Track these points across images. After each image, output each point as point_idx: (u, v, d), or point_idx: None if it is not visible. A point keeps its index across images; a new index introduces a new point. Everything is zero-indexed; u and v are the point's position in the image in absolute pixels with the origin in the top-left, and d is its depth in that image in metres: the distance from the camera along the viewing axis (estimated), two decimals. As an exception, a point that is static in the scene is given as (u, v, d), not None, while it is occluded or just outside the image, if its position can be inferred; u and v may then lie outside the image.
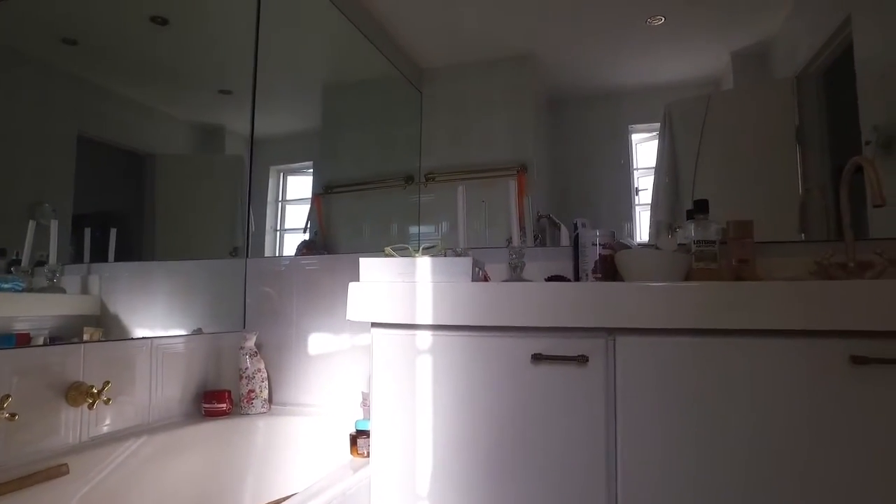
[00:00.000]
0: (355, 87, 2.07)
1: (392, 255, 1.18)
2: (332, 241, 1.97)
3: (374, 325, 1.12)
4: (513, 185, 1.34)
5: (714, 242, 1.31)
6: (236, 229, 2.03)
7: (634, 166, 1.77)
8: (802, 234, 1.52)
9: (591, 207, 1.74)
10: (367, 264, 1.15)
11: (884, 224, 1.44)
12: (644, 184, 1.77)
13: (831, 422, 0.90)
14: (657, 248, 1.29)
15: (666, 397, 0.96)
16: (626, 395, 0.98)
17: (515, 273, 1.32)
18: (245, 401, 1.71)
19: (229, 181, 2.08)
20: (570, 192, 1.77)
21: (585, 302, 0.99)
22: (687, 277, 1.32)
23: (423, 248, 1.24)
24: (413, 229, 1.88)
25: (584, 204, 1.75)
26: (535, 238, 1.72)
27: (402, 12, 1.97)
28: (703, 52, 1.73)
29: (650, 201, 1.71)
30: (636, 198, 1.75)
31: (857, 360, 0.89)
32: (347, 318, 1.12)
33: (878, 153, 1.52)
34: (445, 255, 1.18)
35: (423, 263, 1.12)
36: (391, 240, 1.89)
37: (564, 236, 1.72)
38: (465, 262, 1.08)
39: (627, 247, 1.36)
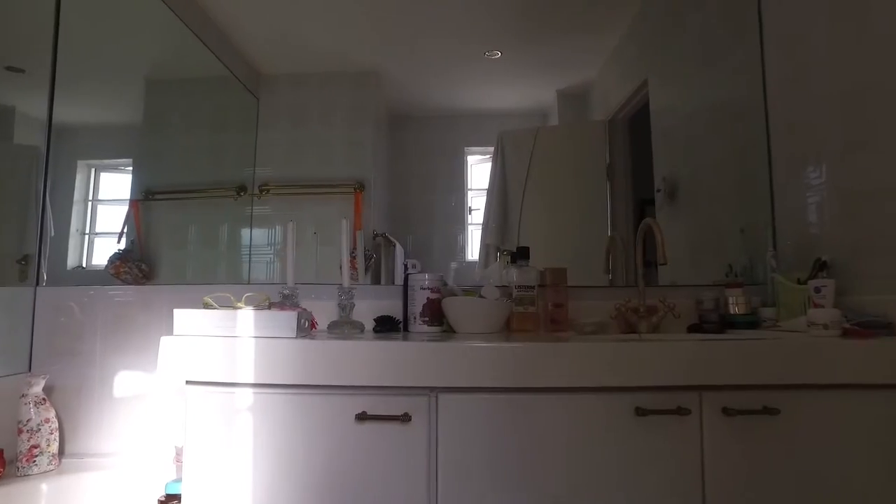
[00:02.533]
0: (184, 86, 1.89)
1: (211, 306, 1.11)
2: (151, 253, 1.79)
3: (188, 382, 1.05)
4: (346, 223, 1.34)
5: (533, 287, 1.45)
6: (27, 233, 1.75)
7: (469, 186, 1.85)
8: (609, 275, 1.72)
9: (428, 225, 1.80)
10: (183, 317, 1.07)
11: (667, 272, 1.70)
12: (478, 203, 1.87)
13: (620, 464, 1.04)
14: (481, 296, 1.38)
15: (484, 452, 1.03)
16: (447, 452, 1.04)
17: (345, 313, 1.33)
18: (24, 459, 1.44)
19: (19, 175, 1.78)
20: (408, 210, 1.81)
21: (409, 361, 1.03)
22: (508, 320, 1.44)
23: (245, 297, 1.18)
24: (245, 241, 1.78)
25: (421, 221, 1.80)
26: (370, 259, 1.74)
27: (240, 15, 1.83)
28: (534, 87, 1.86)
29: (482, 221, 1.81)
30: (469, 217, 1.84)
31: (640, 412, 1.05)
32: (158, 374, 1.04)
33: (665, 201, 1.78)
34: (269, 307, 1.14)
35: (245, 317, 1.07)
36: (218, 255, 1.78)
37: (399, 254, 1.76)
38: (290, 318, 1.06)
39: (454, 293, 1.44)
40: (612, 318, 1.52)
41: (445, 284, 1.45)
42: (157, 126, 1.85)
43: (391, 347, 1.04)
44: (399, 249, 1.75)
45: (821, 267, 1.37)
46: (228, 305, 1.13)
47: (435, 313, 1.38)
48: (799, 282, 1.39)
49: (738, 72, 1.75)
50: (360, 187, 1.79)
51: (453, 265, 1.79)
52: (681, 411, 1.04)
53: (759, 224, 1.68)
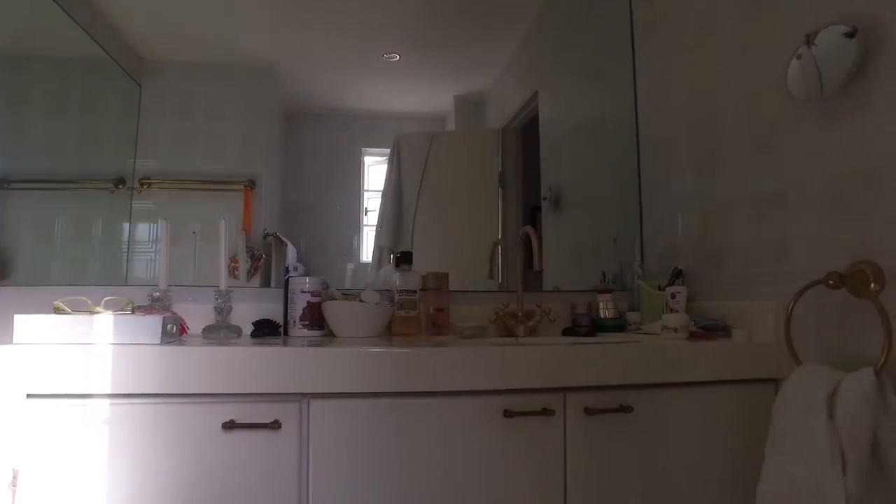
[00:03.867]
0: (50, 64, 1.72)
1: (63, 311, 1.03)
2: (6, 250, 1.63)
3: (30, 395, 0.96)
4: (224, 223, 1.29)
5: (415, 292, 1.48)
6: None
7: (365, 188, 1.85)
8: (498, 280, 1.78)
9: (322, 225, 1.77)
10: (27, 324, 0.99)
11: (552, 277, 1.78)
12: (374, 205, 1.87)
13: (489, 465, 1.09)
14: (361, 300, 1.38)
15: (359, 457, 1.04)
16: (320, 459, 1.03)
17: (221, 317, 1.28)
18: None
19: None
20: (302, 209, 1.78)
21: (281, 367, 1.02)
22: (390, 324, 1.46)
23: (105, 301, 1.11)
24: (125, 237, 1.66)
25: (315, 222, 1.78)
26: (259, 259, 1.69)
27: (119, -7, 1.70)
28: (432, 91, 1.89)
29: (376, 223, 1.81)
30: (365, 218, 1.84)
31: (508, 414, 1.10)
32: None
33: (550, 209, 1.88)
34: (133, 311, 1.08)
35: (103, 323, 1.00)
36: (90, 252, 1.65)
37: (291, 254, 1.72)
38: (153, 323, 1.01)
39: (334, 297, 1.43)
40: (492, 322, 1.58)
41: (327, 288, 1.44)
42: (11, 105, 1.68)
43: (263, 353, 1.02)
44: (291, 250, 1.72)
45: (677, 275, 1.51)
46: (84, 310, 1.05)
47: (315, 317, 1.37)
48: (660, 288, 1.52)
49: (616, 92, 1.88)
50: (250, 184, 1.73)
51: (350, 266, 1.78)
52: (546, 412, 1.11)
53: (630, 234, 1.81)
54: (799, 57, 1.11)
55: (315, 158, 1.80)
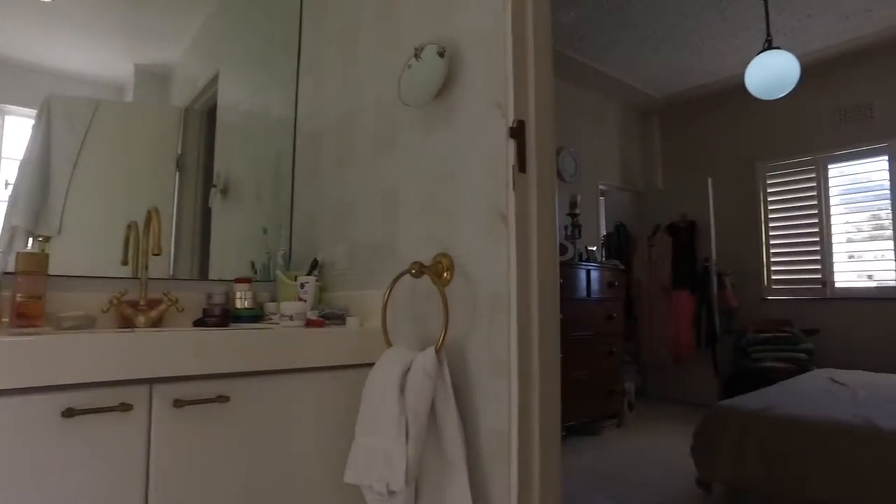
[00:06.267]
0: None
1: None
2: None
3: None
4: None
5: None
6: None
7: (3, 154, 1.44)
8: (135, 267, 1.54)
9: None
10: None
11: (216, 266, 1.66)
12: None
13: (45, 475, 0.91)
14: None
15: None
16: None
17: None
18: None
19: None
20: None
21: None
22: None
23: None
24: None
25: None
26: None
27: None
28: (104, 52, 1.58)
29: (9, 197, 1.41)
30: (5, 190, 1.42)
31: (69, 413, 0.92)
32: None
33: (219, 196, 1.74)
34: None
35: None
36: None
37: None
38: None
39: None
40: (104, 312, 1.36)
41: None
42: None
43: None
44: None
45: (314, 266, 1.53)
46: None
47: None
48: (296, 279, 1.52)
49: (283, 81, 1.85)
50: None
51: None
52: (123, 407, 0.97)
53: (285, 226, 1.79)
54: (409, 67, 1.23)
55: None
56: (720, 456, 2.17)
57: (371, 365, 1.16)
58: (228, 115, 1.78)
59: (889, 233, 3.90)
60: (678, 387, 4.52)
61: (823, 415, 2.07)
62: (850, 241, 4.11)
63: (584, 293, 3.55)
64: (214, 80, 1.78)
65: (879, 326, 3.82)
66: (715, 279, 4.36)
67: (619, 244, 4.82)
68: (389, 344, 1.18)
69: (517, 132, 1.03)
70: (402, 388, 1.06)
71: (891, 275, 3.88)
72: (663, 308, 4.52)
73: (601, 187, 4.78)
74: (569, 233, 3.86)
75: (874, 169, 4.01)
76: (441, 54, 1.15)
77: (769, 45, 2.88)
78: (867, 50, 3.92)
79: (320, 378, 1.21)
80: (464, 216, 1.13)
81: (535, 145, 1.05)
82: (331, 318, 1.34)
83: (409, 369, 1.07)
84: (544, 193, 1.07)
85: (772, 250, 4.50)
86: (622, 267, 4.09)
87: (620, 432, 3.63)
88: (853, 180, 4.13)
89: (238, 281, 1.53)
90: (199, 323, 1.47)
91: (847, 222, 4.13)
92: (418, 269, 1.12)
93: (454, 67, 1.16)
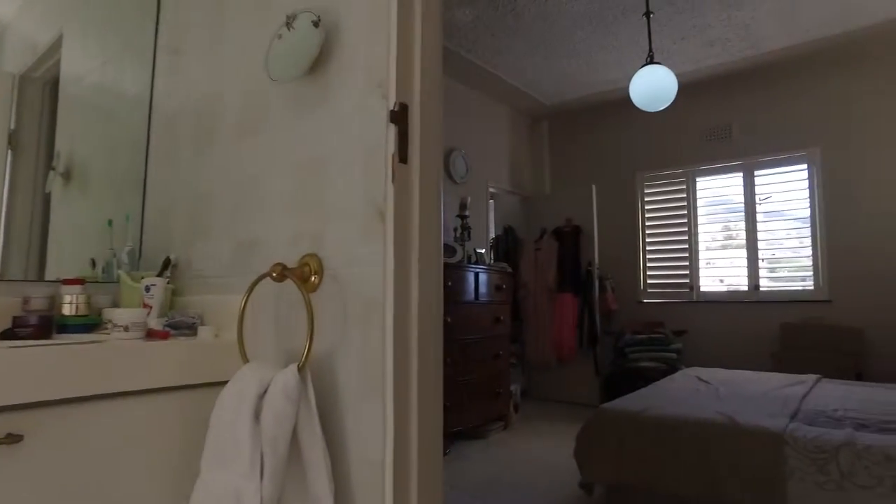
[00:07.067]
0: None
1: None
2: None
3: None
4: None
5: None
6: None
7: None
8: None
9: None
10: None
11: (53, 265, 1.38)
12: None
13: None
14: None
15: None
16: None
17: None
18: None
19: None
20: None
21: None
22: None
23: None
24: None
25: None
26: None
27: None
28: None
29: None
30: None
31: None
32: None
33: (60, 180, 1.44)
34: None
35: None
36: None
37: None
38: None
39: None
40: None
41: None
42: None
43: None
44: None
45: (166, 266, 1.30)
46: None
47: None
48: (142, 281, 1.28)
49: (138, 50, 1.58)
50: None
51: None
52: None
53: (133, 217, 1.52)
54: (280, 37, 1.06)
55: None
56: (601, 458, 2.20)
57: (221, 384, 0.97)
58: (73, 87, 1.50)
59: (739, 242, 4.38)
60: (561, 387, 4.66)
61: (692, 414, 2.17)
62: (707, 248, 4.55)
63: (472, 296, 3.52)
64: (58, 45, 1.49)
65: (733, 326, 4.22)
66: (597, 282, 4.55)
67: (507, 247, 4.89)
68: (246, 359, 1.00)
69: (399, 116, 0.90)
70: (256, 414, 0.89)
71: (742, 280, 4.30)
72: (548, 310, 4.64)
73: (491, 190, 4.81)
74: (458, 235, 3.81)
75: (731, 184, 4.44)
76: (316, 23, 0.99)
77: (651, 61, 3.02)
78: (728, 76, 4.30)
79: (157, 403, 1.00)
80: (337, 211, 0.99)
81: (420, 133, 0.94)
82: (179, 327, 1.13)
83: (266, 390, 0.91)
84: (428, 188, 0.95)
85: (647, 256, 4.80)
86: (510, 270, 4.13)
87: (506, 435, 3.64)
88: (713, 194, 4.56)
89: (66, 282, 1.26)
90: (7, 335, 1.19)
91: (707, 231, 4.56)
92: (280, 273, 0.96)
93: (331, 39, 1.01)
